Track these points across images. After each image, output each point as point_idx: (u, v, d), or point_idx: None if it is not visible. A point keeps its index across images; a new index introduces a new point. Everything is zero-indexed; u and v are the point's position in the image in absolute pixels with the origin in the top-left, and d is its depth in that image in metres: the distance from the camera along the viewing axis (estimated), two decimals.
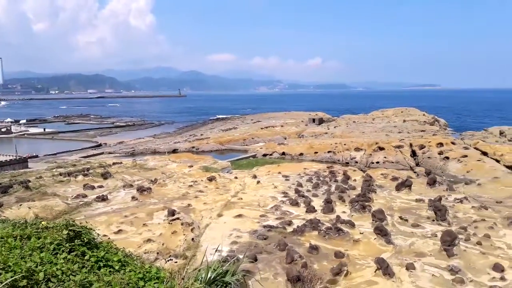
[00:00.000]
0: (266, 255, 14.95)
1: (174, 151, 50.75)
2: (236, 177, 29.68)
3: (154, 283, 4.92)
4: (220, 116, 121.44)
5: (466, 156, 35.97)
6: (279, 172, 31.42)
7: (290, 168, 33.36)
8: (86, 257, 5.18)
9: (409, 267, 13.73)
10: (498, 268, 13.73)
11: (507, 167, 33.36)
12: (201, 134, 68.49)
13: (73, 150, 54.57)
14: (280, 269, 13.46)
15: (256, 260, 14.38)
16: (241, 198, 23.35)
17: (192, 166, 34.16)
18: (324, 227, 17.76)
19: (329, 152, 43.66)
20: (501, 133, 48.91)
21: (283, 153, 45.44)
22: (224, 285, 5.20)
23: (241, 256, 14.78)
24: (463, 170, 33.23)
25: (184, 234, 16.69)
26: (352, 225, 18.16)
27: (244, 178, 29.39)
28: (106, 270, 5.08)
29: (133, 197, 23.40)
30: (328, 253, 15.24)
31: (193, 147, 52.79)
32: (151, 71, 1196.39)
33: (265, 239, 16.66)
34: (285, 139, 57.60)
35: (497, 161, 35.37)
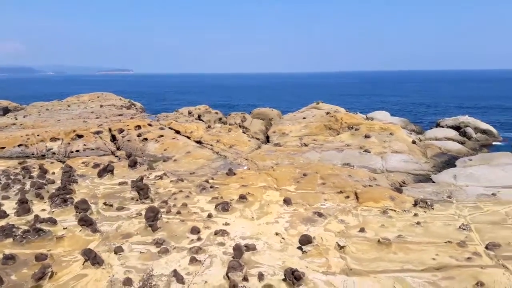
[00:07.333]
0: None
1: None
2: None
3: None
4: None
5: (162, 136, 39.06)
6: None
7: None
8: None
9: (118, 250, 13.84)
10: (195, 230, 15.71)
11: (196, 142, 38.40)
12: None
13: None
14: None
15: None
16: None
17: None
18: (20, 231, 15.58)
19: (20, 145, 38.25)
20: (189, 112, 55.56)
21: None
22: None
23: None
24: (161, 149, 36.00)
25: None
26: (54, 222, 16.67)
27: None
28: None
29: None
30: (28, 258, 13.52)
31: None
32: None
33: None
34: None
35: (188, 137, 40.15)
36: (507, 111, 75.73)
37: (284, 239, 15.26)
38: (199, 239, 15.16)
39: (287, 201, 19.22)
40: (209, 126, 44.33)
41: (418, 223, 16.53)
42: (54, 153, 37.37)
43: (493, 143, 41.84)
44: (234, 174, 24.68)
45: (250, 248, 13.99)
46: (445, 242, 14.57)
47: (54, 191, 20.98)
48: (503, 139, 43.48)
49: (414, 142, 35.16)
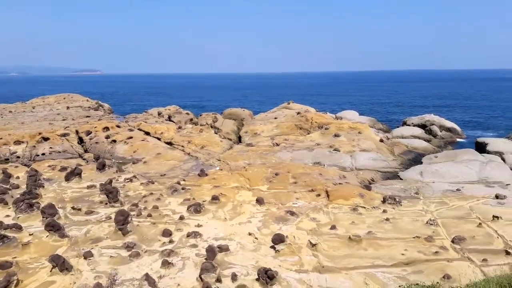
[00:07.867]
0: None
1: None
2: None
3: None
4: None
5: (131, 137, 38.33)
6: None
7: None
8: None
9: (87, 255, 13.50)
10: (166, 233, 15.51)
11: (167, 143, 37.91)
12: None
13: None
14: None
15: None
16: None
17: None
18: None
19: None
20: (159, 113, 54.66)
21: None
22: None
23: None
24: (130, 151, 35.33)
25: None
26: (19, 228, 16.06)
27: None
28: None
29: None
30: None
31: None
32: None
33: None
34: None
35: (159, 139, 39.59)
36: (470, 109, 78.76)
37: (257, 238, 15.30)
38: (171, 241, 14.99)
39: (259, 201, 19.28)
40: (180, 127, 43.87)
41: (387, 219, 16.94)
42: (18, 157, 36.04)
43: (457, 140, 43.46)
44: (206, 175, 24.53)
45: (223, 249, 13.95)
46: (413, 237, 15.00)
47: (19, 196, 20.23)
48: (466, 136, 45.22)
49: (381, 140, 36.00)
